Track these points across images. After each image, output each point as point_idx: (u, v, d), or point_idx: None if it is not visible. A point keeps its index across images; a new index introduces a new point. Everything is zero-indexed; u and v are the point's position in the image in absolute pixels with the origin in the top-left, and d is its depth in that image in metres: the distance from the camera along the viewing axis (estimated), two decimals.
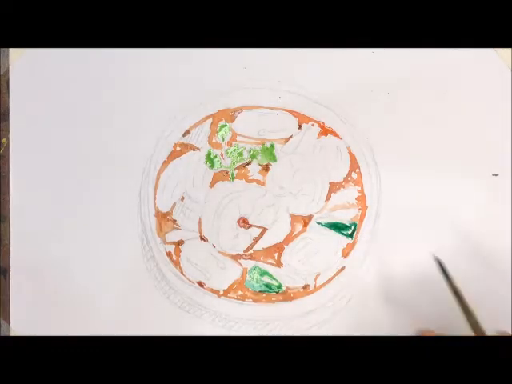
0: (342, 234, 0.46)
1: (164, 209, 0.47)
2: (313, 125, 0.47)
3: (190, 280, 0.46)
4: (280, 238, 0.46)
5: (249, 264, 0.46)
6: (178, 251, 0.46)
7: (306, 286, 0.46)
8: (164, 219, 0.46)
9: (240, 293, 0.46)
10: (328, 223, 0.46)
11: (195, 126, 0.47)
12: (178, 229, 0.46)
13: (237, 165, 0.47)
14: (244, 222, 0.46)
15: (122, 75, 0.47)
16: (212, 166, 0.47)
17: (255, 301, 0.46)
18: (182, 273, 0.46)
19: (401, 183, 0.46)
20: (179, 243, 0.46)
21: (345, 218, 0.46)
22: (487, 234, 0.45)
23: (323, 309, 0.45)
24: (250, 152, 0.47)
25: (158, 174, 0.47)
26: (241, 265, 0.46)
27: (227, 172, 0.47)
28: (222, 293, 0.46)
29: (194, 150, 0.47)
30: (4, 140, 0.47)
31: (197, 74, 0.47)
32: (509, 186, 0.45)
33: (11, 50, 0.48)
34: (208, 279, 0.46)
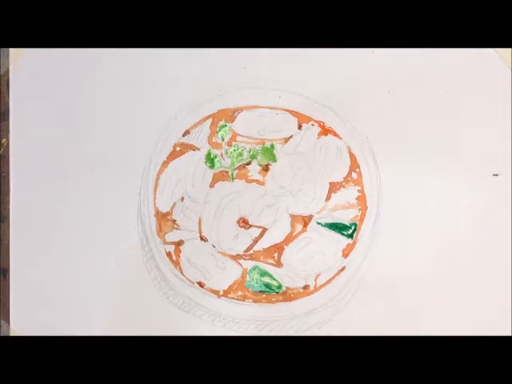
0: (342, 234, 0.46)
1: (164, 209, 0.47)
2: (313, 125, 0.47)
3: (189, 280, 0.46)
4: (280, 238, 0.46)
5: (249, 264, 0.46)
6: (177, 251, 0.46)
7: (306, 287, 0.46)
8: (164, 219, 0.46)
9: (240, 293, 0.46)
10: (328, 223, 0.46)
11: (195, 126, 0.47)
12: (177, 229, 0.46)
13: (237, 165, 0.46)
14: (244, 222, 0.46)
15: (122, 75, 0.47)
16: (212, 166, 0.47)
17: (255, 301, 0.46)
18: (181, 273, 0.46)
19: (401, 183, 0.46)
20: (179, 243, 0.46)
21: (345, 218, 0.46)
22: (487, 234, 0.45)
23: (323, 309, 0.45)
24: (249, 152, 0.46)
25: (158, 174, 0.47)
26: (241, 265, 0.46)
27: (227, 172, 0.46)
28: (221, 293, 0.46)
29: (193, 150, 0.47)
30: (4, 140, 0.47)
31: (197, 74, 0.47)
32: (509, 186, 0.45)
33: (11, 50, 0.48)
34: (208, 279, 0.46)
